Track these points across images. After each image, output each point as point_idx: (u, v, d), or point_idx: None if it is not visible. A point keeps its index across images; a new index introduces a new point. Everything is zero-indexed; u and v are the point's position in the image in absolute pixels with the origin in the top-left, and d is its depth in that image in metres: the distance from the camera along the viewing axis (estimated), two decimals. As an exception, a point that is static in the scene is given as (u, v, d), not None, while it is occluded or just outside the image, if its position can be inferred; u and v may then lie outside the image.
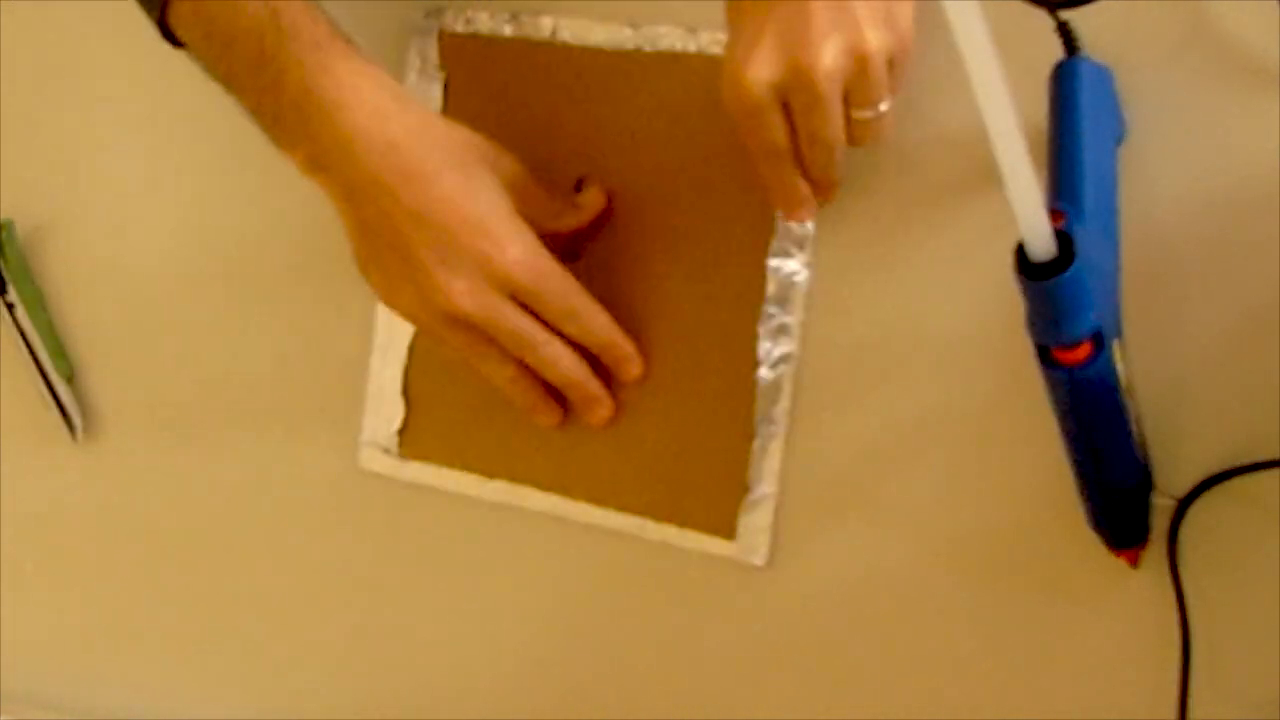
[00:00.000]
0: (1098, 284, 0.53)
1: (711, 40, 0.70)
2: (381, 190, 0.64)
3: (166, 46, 0.84)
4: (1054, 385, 0.54)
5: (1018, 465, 0.65)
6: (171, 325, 0.86)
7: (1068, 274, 0.49)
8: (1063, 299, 0.50)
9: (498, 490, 0.76)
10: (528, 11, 0.74)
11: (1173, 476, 0.62)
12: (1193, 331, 0.63)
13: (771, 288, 0.68)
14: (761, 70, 0.59)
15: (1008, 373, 0.64)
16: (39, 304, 0.89)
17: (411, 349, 0.78)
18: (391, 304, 0.69)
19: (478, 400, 0.75)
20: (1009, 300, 0.60)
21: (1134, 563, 0.63)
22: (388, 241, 0.66)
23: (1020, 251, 0.49)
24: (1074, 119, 0.59)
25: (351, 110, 0.63)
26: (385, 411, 0.79)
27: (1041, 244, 0.48)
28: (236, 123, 0.81)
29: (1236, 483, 0.61)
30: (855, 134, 0.62)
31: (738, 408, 0.69)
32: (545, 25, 0.74)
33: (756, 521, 0.69)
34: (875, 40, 0.59)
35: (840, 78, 0.59)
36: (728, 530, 0.70)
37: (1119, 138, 0.63)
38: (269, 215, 0.83)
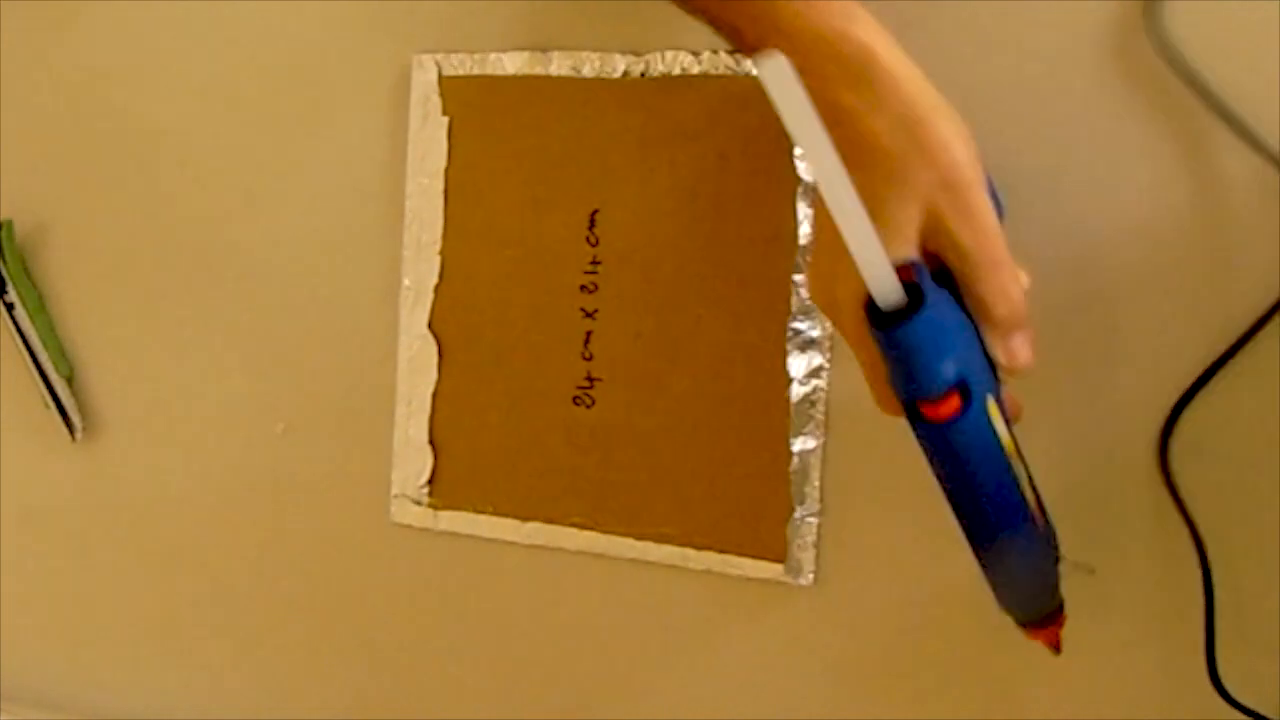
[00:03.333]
0: (960, 337, 0.51)
1: (714, 61, 0.70)
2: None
3: (169, 46, 0.84)
4: (927, 445, 0.51)
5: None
6: (171, 325, 0.86)
7: (917, 318, 0.47)
8: (916, 346, 0.48)
9: (534, 532, 0.76)
10: (527, 48, 0.74)
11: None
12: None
13: (796, 302, 0.69)
14: None
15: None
16: (38, 304, 0.88)
17: (435, 396, 0.78)
18: None
19: (507, 443, 0.76)
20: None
21: (1055, 645, 0.62)
22: None
23: (871, 305, 0.47)
24: None
25: (830, 62, 0.53)
26: (413, 462, 0.79)
27: (887, 290, 0.46)
28: (244, 126, 0.83)
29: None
30: None
31: (773, 426, 0.70)
32: (551, 60, 0.74)
33: (801, 541, 0.69)
34: None
35: None
36: (773, 553, 0.70)
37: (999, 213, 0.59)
38: (275, 223, 0.83)
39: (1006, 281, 0.53)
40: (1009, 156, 0.63)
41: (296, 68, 0.76)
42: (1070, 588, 0.63)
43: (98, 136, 0.87)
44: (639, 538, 0.73)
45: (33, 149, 0.89)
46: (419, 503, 0.79)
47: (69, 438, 0.88)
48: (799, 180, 0.68)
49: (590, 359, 0.74)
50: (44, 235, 0.89)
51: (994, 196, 0.56)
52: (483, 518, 0.77)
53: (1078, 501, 0.65)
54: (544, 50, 0.74)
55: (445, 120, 0.77)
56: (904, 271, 0.48)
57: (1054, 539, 0.60)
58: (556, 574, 0.76)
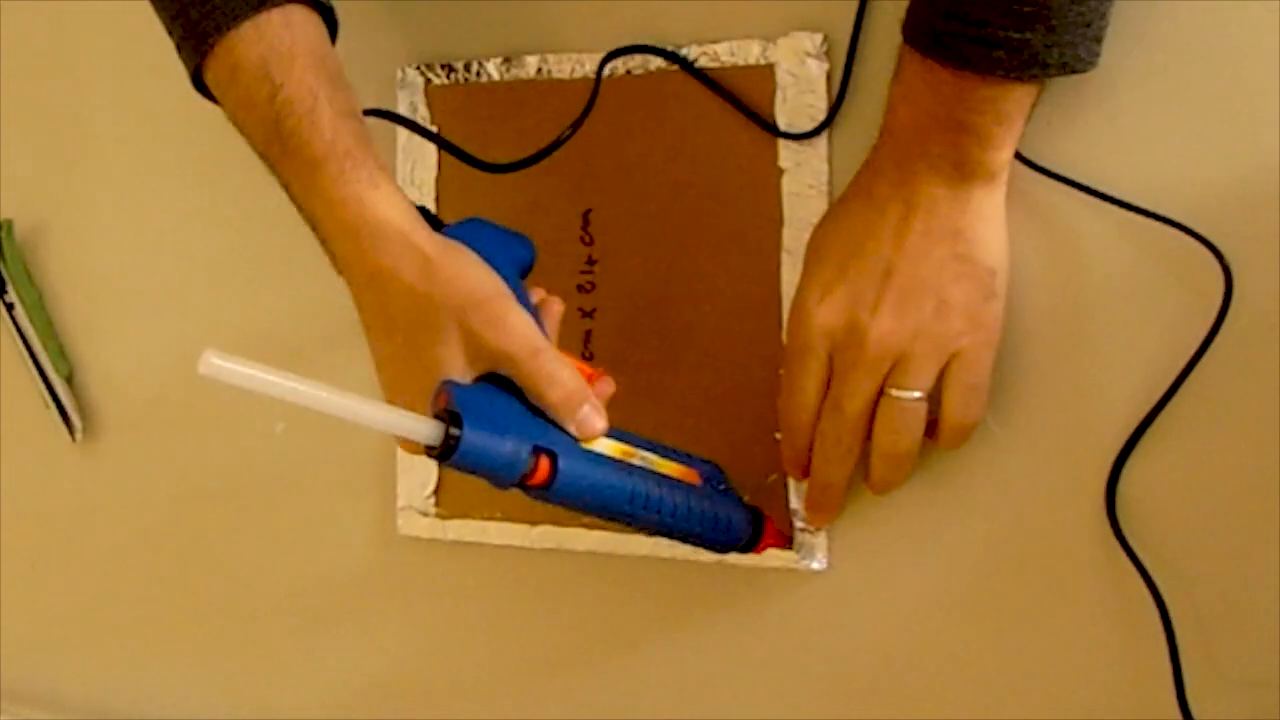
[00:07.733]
0: (515, 413, 0.57)
1: (699, 53, 0.70)
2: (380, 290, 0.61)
3: (167, 47, 0.84)
4: (547, 499, 0.57)
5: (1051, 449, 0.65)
6: (171, 325, 0.86)
7: (463, 442, 0.52)
8: (478, 455, 0.53)
9: (544, 535, 0.75)
10: (512, 54, 0.75)
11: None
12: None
13: (787, 274, 0.68)
14: (827, 314, 0.62)
15: (1036, 348, 0.65)
16: (38, 304, 0.89)
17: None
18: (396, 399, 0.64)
19: None
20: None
21: (781, 542, 0.67)
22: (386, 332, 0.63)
23: (430, 448, 0.53)
24: None
25: (336, 241, 0.61)
26: (417, 474, 0.78)
27: (428, 437, 0.52)
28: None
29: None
30: (882, 422, 0.63)
31: (776, 416, 0.68)
32: (531, 64, 0.74)
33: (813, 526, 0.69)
34: (937, 328, 0.60)
35: (891, 350, 0.61)
36: (784, 539, 0.69)
37: (528, 263, 0.67)
38: (271, 216, 0.82)
39: (550, 367, 0.58)
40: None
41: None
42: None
43: (98, 136, 0.87)
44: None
45: (33, 149, 0.89)
46: (426, 514, 0.78)
47: (69, 438, 0.88)
48: (780, 170, 0.69)
49: (590, 358, 0.74)
50: (44, 235, 0.89)
51: None
52: (491, 524, 0.77)
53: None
54: (526, 55, 0.74)
55: (434, 128, 0.77)
56: (440, 397, 0.54)
57: (720, 475, 0.65)
58: (569, 576, 0.76)
